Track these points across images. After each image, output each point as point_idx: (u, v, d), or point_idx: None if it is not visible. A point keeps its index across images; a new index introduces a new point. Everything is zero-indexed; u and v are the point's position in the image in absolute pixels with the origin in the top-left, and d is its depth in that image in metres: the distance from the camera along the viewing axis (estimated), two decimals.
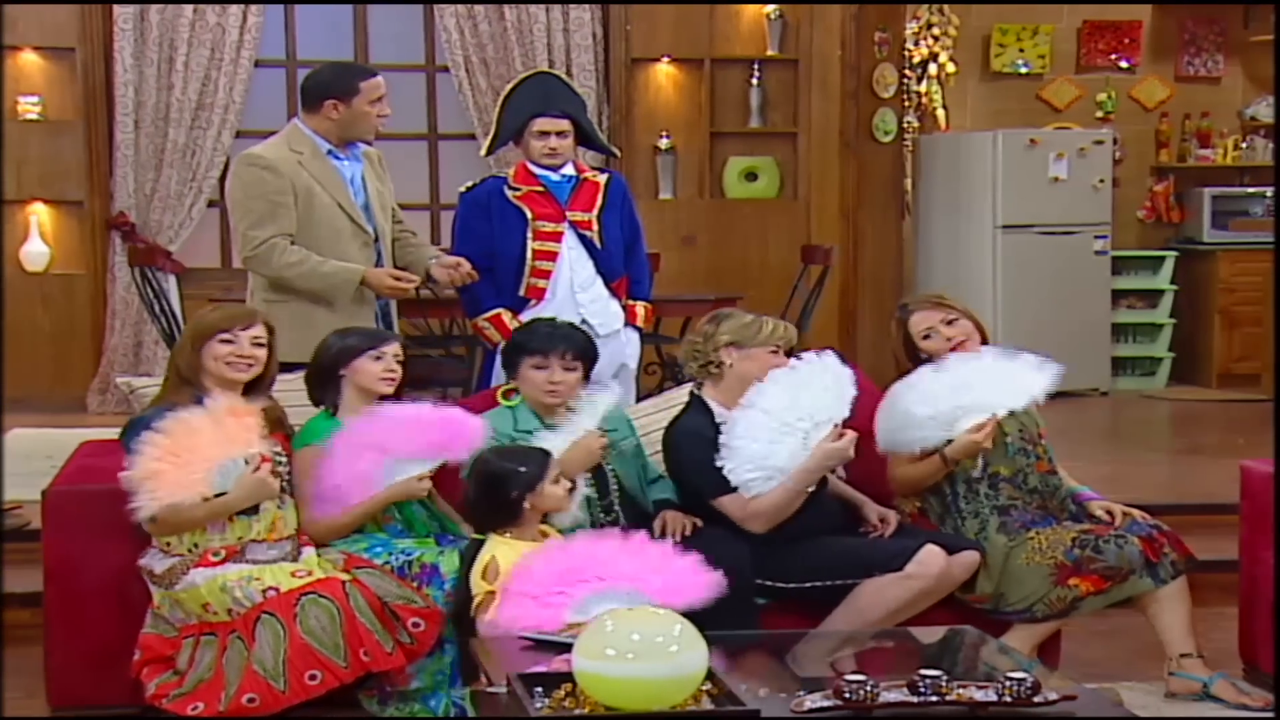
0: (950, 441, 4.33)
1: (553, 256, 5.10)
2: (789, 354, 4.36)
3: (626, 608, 3.46)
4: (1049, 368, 4.37)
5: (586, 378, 4.41)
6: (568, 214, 5.11)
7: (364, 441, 4.08)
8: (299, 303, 4.81)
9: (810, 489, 4.19)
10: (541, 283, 5.10)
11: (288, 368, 4.41)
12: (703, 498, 4.28)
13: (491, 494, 3.91)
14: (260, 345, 4.06)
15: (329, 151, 4.94)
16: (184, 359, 4.04)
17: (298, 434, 4.18)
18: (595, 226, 5.13)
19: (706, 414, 4.32)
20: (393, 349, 4.22)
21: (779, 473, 4.15)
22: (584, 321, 5.04)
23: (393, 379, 4.20)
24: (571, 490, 4.03)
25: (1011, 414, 4.40)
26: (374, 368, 4.18)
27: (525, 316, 5.06)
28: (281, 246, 4.79)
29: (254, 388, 4.09)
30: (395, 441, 4.08)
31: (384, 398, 4.21)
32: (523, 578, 3.70)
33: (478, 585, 3.79)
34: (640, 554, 3.76)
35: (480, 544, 3.88)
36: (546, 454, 3.98)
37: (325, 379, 4.22)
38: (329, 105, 4.92)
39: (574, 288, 5.11)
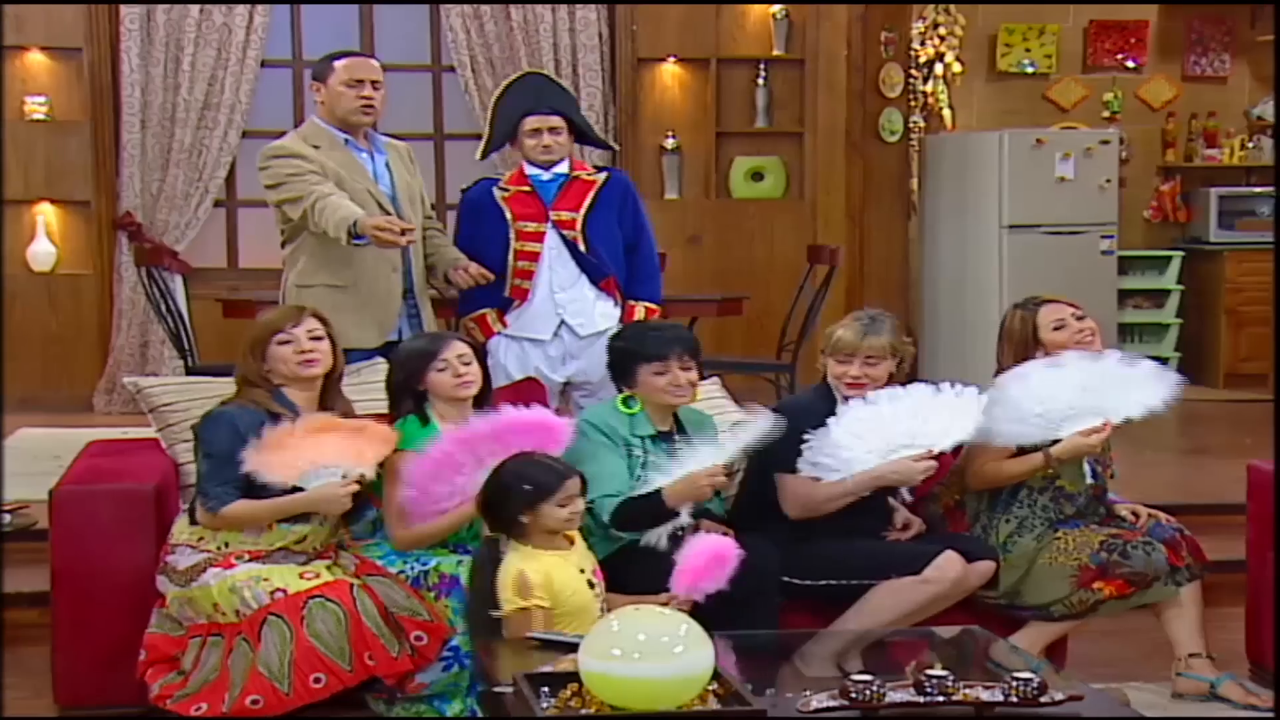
0: (1055, 442, 4.28)
1: (535, 257, 5.10)
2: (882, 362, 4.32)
3: None
4: (1170, 377, 4.33)
5: (702, 374, 4.39)
6: (551, 214, 5.10)
7: (460, 451, 4.05)
8: (324, 289, 4.83)
9: (865, 494, 4.20)
10: (525, 283, 5.10)
11: None
12: (768, 468, 4.27)
13: (496, 504, 3.84)
14: (318, 338, 4.04)
15: (346, 142, 4.97)
16: (248, 367, 4.02)
17: None
18: (578, 226, 5.11)
19: (827, 398, 4.33)
20: (453, 353, 4.15)
21: (847, 470, 4.16)
22: (563, 323, 5.09)
23: (467, 383, 4.15)
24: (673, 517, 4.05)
25: None
26: (443, 379, 4.14)
27: (510, 317, 5.11)
28: (325, 191, 4.75)
29: (326, 382, 4.08)
30: (487, 449, 4.02)
31: (477, 400, 4.20)
32: None
33: (510, 600, 3.70)
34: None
35: (494, 546, 3.82)
36: (565, 475, 3.84)
37: (404, 394, 4.20)
38: (313, 87, 5.02)
39: (553, 288, 5.10)
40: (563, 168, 5.15)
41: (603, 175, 5.24)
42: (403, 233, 4.65)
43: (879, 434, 4.16)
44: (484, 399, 4.24)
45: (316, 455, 3.87)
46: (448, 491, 4.01)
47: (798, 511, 4.22)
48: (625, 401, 4.31)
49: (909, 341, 4.42)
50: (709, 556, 3.70)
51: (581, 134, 5.27)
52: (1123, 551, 4.23)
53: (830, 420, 4.21)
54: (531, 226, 5.10)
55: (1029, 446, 4.32)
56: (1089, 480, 4.38)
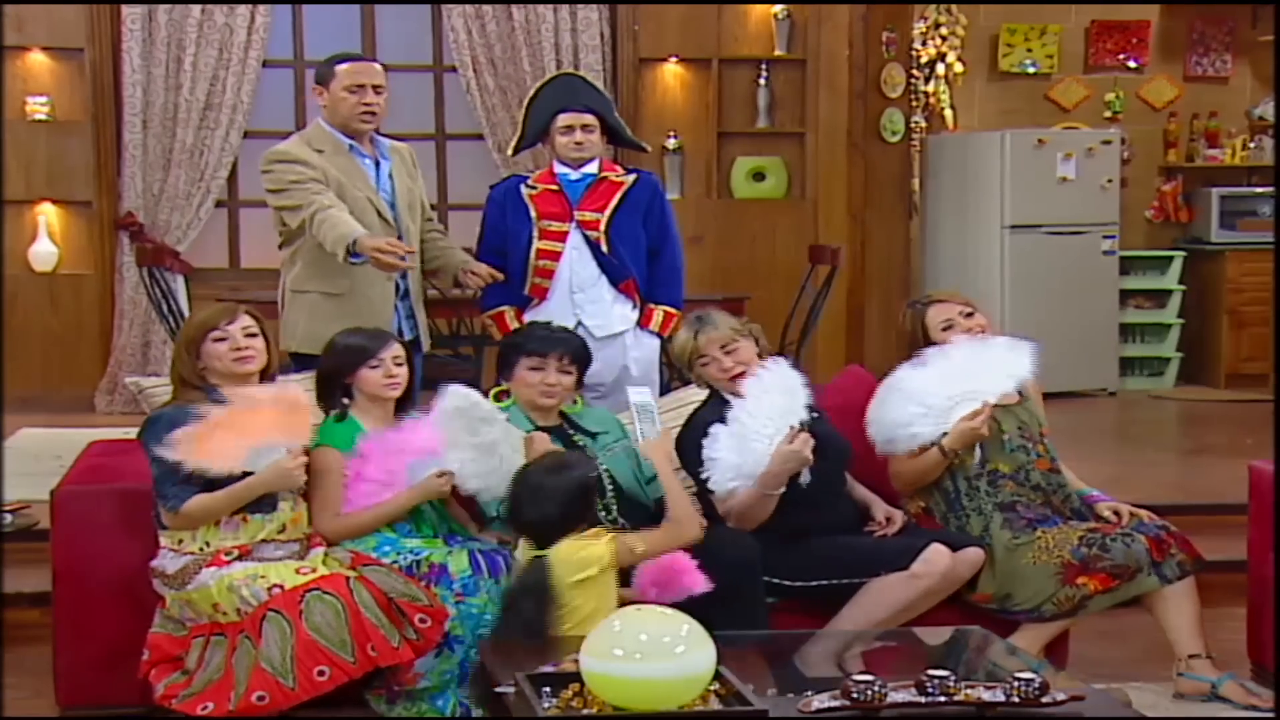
0: (946, 434, 4.35)
1: (556, 256, 5.08)
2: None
3: None
4: (1025, 347, 4.41)
5: (580, 383, 4.44)
6: (575, 214, 5.09)
7: (393, 446, 4.08)
8: (319, 296, 4.83)
9: (782, 490, 4.20)
10: (544, 282, 5.09)
11: (304, 361, 4.41)
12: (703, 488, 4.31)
13: (584, 505, 3.84)
14: (253, 335, 4.06)
15: (351, 148, 4.93)
16: (184, 366, 4.05)
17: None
18: (602, 228, 5.10)
19: (722, 405, 4.33)
20: (389, 353, 4.20)
21: (753, 479, 4.19)
22: (580, 324, 5.05)
23: (395, 383, 4.19)
24: None
25: (1008, 410, 4.44)
26: (374, 376, 4.17)
27: (527, 315, 5.08)
28: (325, 203, 4.72)
29: (261, 378, 4.09)
30: (419, 444, 4.07)
31: (399, 401, 4.22)
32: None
33: (576, 572, 3.71)
34: None
35: (542, 561, 3.77)
36: (588, 456, 3.97)
37: (332, 387, 4.22)
38: (315, 91, 4.99)
39: (572, 288, 5.09)
40: (592, 168, 5.13)
41: (631, 177, 5.19)
42: (404, 256, 4.64)
43: (752, 438, 4.19)
44: (406, 402, 4.27)
45: (250, 438, 3.87)
46: (379, 484, 4.06)
47: (735, 524, 4.25)
48: (497, 396, 4.35)
49: (748, 321, 4.48)
50: (656, 579, 3.64)
51: (615, 135, 5.25)
52: (1102, 545, 4.25)
53: (706, 453, 4.23)
54: (555, 225, 5.08)
55: (930, 443, 4.39)
56: (976, 465, 4.42)
